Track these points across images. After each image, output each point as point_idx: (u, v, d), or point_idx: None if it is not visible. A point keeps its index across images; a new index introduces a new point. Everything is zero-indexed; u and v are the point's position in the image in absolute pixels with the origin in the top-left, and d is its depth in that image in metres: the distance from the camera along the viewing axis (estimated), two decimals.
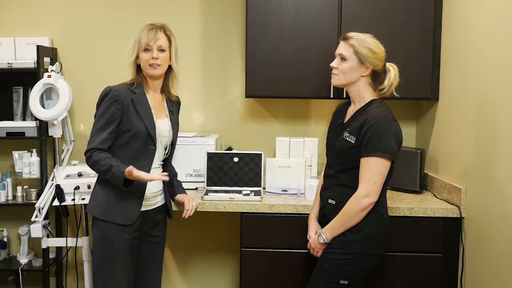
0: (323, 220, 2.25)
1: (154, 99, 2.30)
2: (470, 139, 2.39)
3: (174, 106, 2.40)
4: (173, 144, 2.37)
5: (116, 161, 2.15)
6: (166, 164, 2.39)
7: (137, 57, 2.24)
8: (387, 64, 2.17)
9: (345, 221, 2.10)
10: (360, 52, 2.11)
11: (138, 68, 2.27)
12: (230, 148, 3.13)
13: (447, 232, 2.48)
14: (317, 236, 2.19)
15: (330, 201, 2.21)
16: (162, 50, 2.23)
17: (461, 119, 2.50)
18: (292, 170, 2.74)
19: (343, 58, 2.15)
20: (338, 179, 2.20)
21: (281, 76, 2.79)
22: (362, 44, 2.11)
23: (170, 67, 2.30)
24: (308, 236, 2.30)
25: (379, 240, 2.16)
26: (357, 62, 2.12)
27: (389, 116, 2.10)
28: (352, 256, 2.11)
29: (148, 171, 2.22)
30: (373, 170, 2.05)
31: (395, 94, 2.20)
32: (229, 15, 3.15)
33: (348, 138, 2.14)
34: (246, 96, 2.85)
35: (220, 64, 3.20)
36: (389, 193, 2.77)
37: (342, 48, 2.16)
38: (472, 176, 2.38)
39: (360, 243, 2.10)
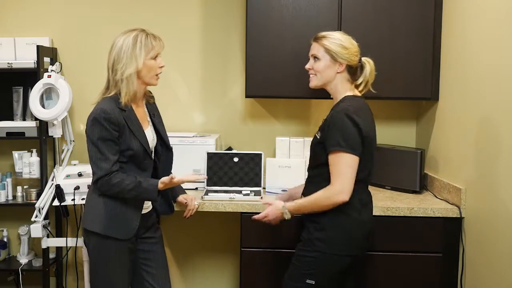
0: (300, 216, 2.27)
1: (138, 110, 2.24)
2: (470, 139, 2.39)
3: (153, 108, 2.36)
4: (167, 147, 2.35)
5: (140, 177, 2.15)
6: (159, 168, 2.36)
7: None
8: (363, 58, 2.18)
9: (312, 208, 2.10)
10: (331, 50, 2.12)
11: None
12: (230, 148, 3.13)
13: (447, 232, 2.48)
14: (282, 207, 2.16)
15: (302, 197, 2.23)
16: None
17: (461, 119, 2.50)
18: (292, 170, 2.74)
19: (316, 58, 2.17)
20: (309, 176, 2.24)
21: (281, 76, 2.79)
22: (333, 41, 2.13)
23: None
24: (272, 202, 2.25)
25: (346, 241, 2.10)
26: (329, 59, 2.14)
27: (352, 110, 2.06)
28: (315, 254, 2.10)
29: None
30: (341, 165, 2.03)
31: (372, 90, 2.21)
32: (229, 15, 3.15)
33: (316, 135, 2.17)
34: (246, 96, 2.85)
35: (220, 64, 3.20)
36: (389, 193, 2.78)
37: (314, 49, 2.19)
38: (472, 176, 2.38)
39: (323, 242, 2.09)
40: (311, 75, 2.22)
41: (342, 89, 2.17)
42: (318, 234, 2.10)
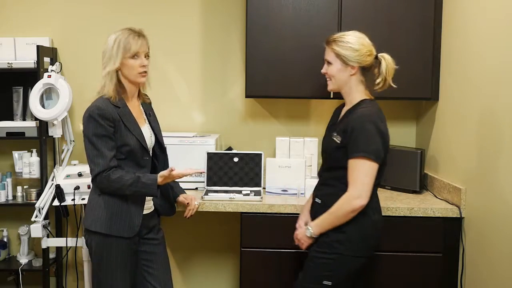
0: (313, 217, 2.25)
1: (133, 108, 2.26)
2: (470, 139, 2.39)
3: (149, 108, 2.38)
4: (162, 147, 2.35)
5: (139, 173, 2.15)
6: (158, 169, 2.36)
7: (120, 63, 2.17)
8: (379, 55, 2.15)
9: (333, 220, 2.09)
10: (341, 54, 2.12)
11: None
12: (230, 148, 3.13)
13: (447, 232, 2.48)
14: (305, 229, 2.18)
15: (316, 199, 2.23)
16: (147, 57, 2.22)
17: (461, 119, 2.50)
18: (292, 170, 2.74)
19: (328, 63, 2.18)
20: (324, 178, 2.22)
21: (281, 76, 2.79)
22: (342, 45, 2.12)
23: None
24: (297, 225, 2.29)
25: (363, 242, 2.12)
26: (340, 64, 2.13)
27: (375, 116, 2.08)
28: (334, 256, 2.10)
29: None
30: (360, 172, 2.04)
31: (392, 85, 2.17)
32: (229, 15, 3.15)
33: (334, 138, 2.15)
34: (246, 96, 2.85)
35: (220, 64, 3.20)
36: (389, 193, 2.78)
37: (326, 53, 2.19)
38: (472, 176, 2.38)
39: (343, 244, 2.09)
40: (327, 79, 2.22)
41: (357, 92, 2.17)
42: (337, 236, 2.10)
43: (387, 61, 2.14)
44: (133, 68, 2.17)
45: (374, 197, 2.13)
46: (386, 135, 2.09)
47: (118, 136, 2.15)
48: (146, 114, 2.34)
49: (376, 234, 2.17)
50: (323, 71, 2.22)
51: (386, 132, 2.09)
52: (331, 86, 2.21)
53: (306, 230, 2.17)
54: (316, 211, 2.21)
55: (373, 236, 2.16)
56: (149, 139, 2.29)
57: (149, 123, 2.33)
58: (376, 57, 2.15)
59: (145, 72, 2.20)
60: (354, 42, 2.12)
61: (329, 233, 2.11)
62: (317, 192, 2.26)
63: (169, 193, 2.42)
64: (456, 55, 2.58)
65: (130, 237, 2.18)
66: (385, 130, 2.08)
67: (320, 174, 2.28)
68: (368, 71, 2.16)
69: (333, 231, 2.10)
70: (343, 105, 2.31)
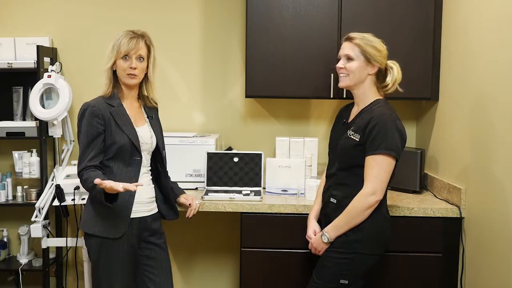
0: (324, 219, 2.26)
1: (132, 107, 2.27)
2: (470, 139, 2.39)
3: (152, 112, 2.37)
4: (159, 149, 2.34)
5: (101, 175, 2.09)
6: (161, 173, 2.37)
7: (114, 63, 2.19)
8: (389, 62, 2.18)
9: (349, 220, 2.10)
10: (366, 51, 2.12)
11: (113, 75, 2.23)
12: (230, 148, 3.13)
13: (447, 232, 2.48)
14: (320, 236, 2.18)
15: (331, 199, 2.21)
16: (141, 59, 2.21)
17: (461, 119, 2.50)
18: (292, 170, 2.74)
19: (349, 58, 2.15)
20: (340, 177, 2.20)
21: (281, 76, 2.79)
22: (367, 43, 2.12)
23: (146, 75, 2.27)
24: (307, 236, 2.30)
25: (379, 239, 2.16)
26: (364, 61, 2.13)
27: (394, 115, 2.11)
28: (352, 255, 2.11)
29: (136, 180, 2.19)
30: (379, 168, 2.05)
31: (399, 89, 2.20)
32: (229, 15, 3.15)
33: (352, 136, 2.14)
34: (246, 96, 2.85)
35: (220, 64, 3.20)
36: (389, 193, 2.76)
37: (348, 49, 2.15)
38: (472, 176, 2.38)
39: (361, 242, 2.11)
40: (342, 75, 2.19)
41: (370, 91, 2.17)
42: (355, 235, 2.11)
43: (397, 67, 2.17)
44: (122, 69, 2.19)
45: (385, 196, 2.16)
46: (404, 134, 2.12)
47: (108, 134, 2.16)
48: (148, 117, 2.34)
49: (389, 231, 2.20)
50: (340, 65, 2.18)
51: (404, 131, 2.12)
52: (346, 82, 2.18)
53: (322, 236, 2.16)
54: (329, 212, 2.21)
55: (387, 233, 2.19)
56: (149, 139, 2.28)
57: (150, 125, 2.33)
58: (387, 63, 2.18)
59: (134, 74, 2.19)
60: (377, 43, 2.14)
61: (347, 232, 2.12)
62: (331, 192, 2.22)
63: (171, 198, 2.41)
64: (456, 55, 2.58)
65: (116, 237, 2.16)
66: (402, 128, 2.11)
67: (332, 174, 2.24)
68: (381, 74, 2.18)
69: (351, 230, 2.11)
70: (348, 105, 2.31)
